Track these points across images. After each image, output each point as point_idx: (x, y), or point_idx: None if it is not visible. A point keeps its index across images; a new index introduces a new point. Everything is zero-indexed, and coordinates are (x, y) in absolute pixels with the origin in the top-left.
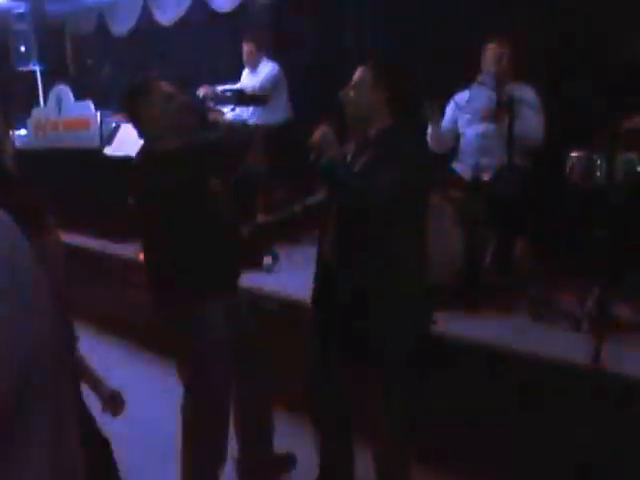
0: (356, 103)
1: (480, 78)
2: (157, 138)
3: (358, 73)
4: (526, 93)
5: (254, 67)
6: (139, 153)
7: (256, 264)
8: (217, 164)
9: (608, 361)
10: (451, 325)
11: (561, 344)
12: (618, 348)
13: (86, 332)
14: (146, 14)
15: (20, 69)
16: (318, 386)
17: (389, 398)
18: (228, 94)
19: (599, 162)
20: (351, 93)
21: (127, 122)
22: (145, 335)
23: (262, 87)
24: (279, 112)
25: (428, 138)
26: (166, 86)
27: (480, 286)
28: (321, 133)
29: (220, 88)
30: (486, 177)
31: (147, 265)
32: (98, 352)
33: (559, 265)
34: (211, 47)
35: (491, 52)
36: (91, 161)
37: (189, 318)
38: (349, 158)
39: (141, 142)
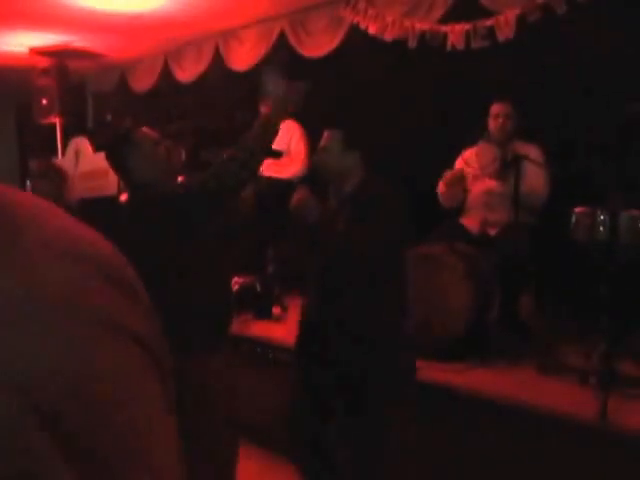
0: (328, 166)
1: (486, 135)
2: (148, 185)
3: (326, 137)
4: (531, 151)
5: None
6: (130, 201)
7: (266, 314)
8: (215, 208)
9: (614, 415)
10: (459, 377)
11: (567, 398)
12: (623, 402)
13: None
14: (166, 72)
15: (41, 122)
16: (301, 434)
17: (373, 446)
18: None
19: (602, 218)
20: (323, 156)
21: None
22: None
23: (288, 147)
24: (297, 168)
25: (441, 194)
26: (151, 132)
27: (487, 339)
28: (300, 198)
29: None
30: (493, 232)
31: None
32: None
33: (565, 319)
34: (228, 104)
35: (497, 110)
36: (108, 209)
37: (179, 370)
38: (331, 215)
39: None
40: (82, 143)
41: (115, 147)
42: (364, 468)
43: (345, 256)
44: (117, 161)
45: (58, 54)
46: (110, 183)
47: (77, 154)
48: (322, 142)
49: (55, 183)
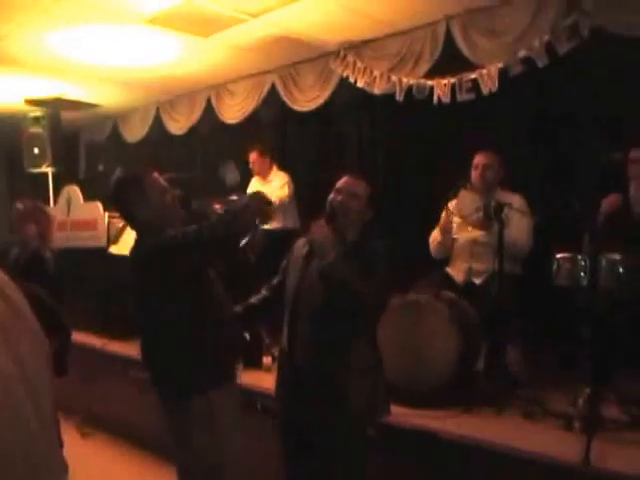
0: (354, 213)
1: (469, 186)
2: (153, 231)
3: (358, 185)
4: (515, 200)
5: (264, 176)
6: (138, 247)
7: (255, 363)
8: (219, 253)
9: (598, 459)
10: (443, 423)
11: (552, 443)
12: (607, 446)
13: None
14: (158, 123)
15: (32, 171)
16: None
17: None
18: (234, 198)
19: (583, 263)
20: (349, 202)
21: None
22: (144, 434)
23: (282, 199)
24: (289, 221)
25: (432, 244)
26: (160, 179)
27: (473, 387)
28: (324, 233)
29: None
30: (478, 282)
31: (147, 358)
32: (97, 451)
33: (550, 365)
34: (219, 156)
35: (478, 161)
36: (96, 260)
37: (194, 408)
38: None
39: None
40: (73, 192)
41: (124, 190)
42: None
43: (358, 297)
44: (124, 204)
45: (52, 104)
46: (100, 233)
47: (68, 203)
48: (352, 188)
49: (41, 224)
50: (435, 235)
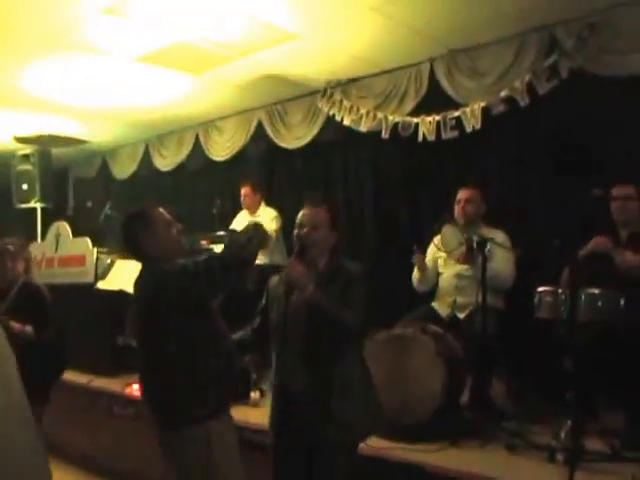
0: (317, 243)
1: (453, 220)
2: (160, 261)
3: (317, 215)
4: (497, 235)
5: (253, 210)
6: (145, 276)
7: (244, 399)
8: (228, 282)
9: None
10: (429, 456)
11: (536, 475)
12: (590, 478)
13: (69, 471)
14: (147, 160)
15: (20, 207)
16: None
17: None
18: (221, 233)
19: (564, 297)
20: (313, 233)
21: (122, 258)
22: (128, 469)
23: (270, 234)
24: (276, 256)
25: (414, 280)
26: (165, 213)
27: (459, 420)
28: (299, 269)
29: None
30: (462, 315)
31: (147, 386)
32: None
33: (533, 397)
34: (207, 192)
35: (460, 196)
36: (83, 296)
37: (193, 437)
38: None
39: (133, 276)
40: (62, 228)
41: (133, 224)
42: None
43: (325, 331)
44: (133, 237)
45: (41, 141)
46: (88, 269)
47: (57, 238)
48: (311, 219)
49: (27, 260)
50: (415, 272)
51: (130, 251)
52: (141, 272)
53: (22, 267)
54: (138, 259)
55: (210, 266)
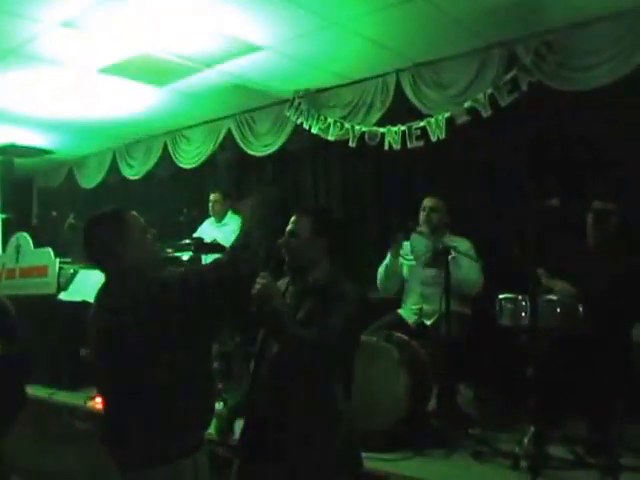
0: (297, 252)
1: (419, 229)
2: (138, 272)
3: (296, 222)
4: (461, 244)
5: (220, 217)
6: (118, 291)
7: None
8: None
9: None
10: (395, 465)
11: None
12: None
13: None
14: (114, 169)
15: None
16: None
17: None
18: (187, 241)
19: (524, 303)
20: (290, 241)
21: (86, 268)
22: None
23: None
24: None
25: (379, 275)
26: (139, 217)
27: (424, 428)
28: (263, 283)
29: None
30: (428, 322)
31: (110, 422)
32: None
33: (500, 404)
34: (175, 200)
35: (425, 204)
36: (45, 307)
37: (180, 471)
38: (290, 302)
39: (96, 286)
40: (23, 238)
41: (102, 228)
42: None
43: (304, 346)
44: (101, 244)
45: (4, 151)
46: (50, 280)
47: (18, 249)
48: (290, 226)
49: None
50: (382, 267)
51: (97, 260)
52: (109, 285)
53: None
54: (106, 269)
55: (221, 276)
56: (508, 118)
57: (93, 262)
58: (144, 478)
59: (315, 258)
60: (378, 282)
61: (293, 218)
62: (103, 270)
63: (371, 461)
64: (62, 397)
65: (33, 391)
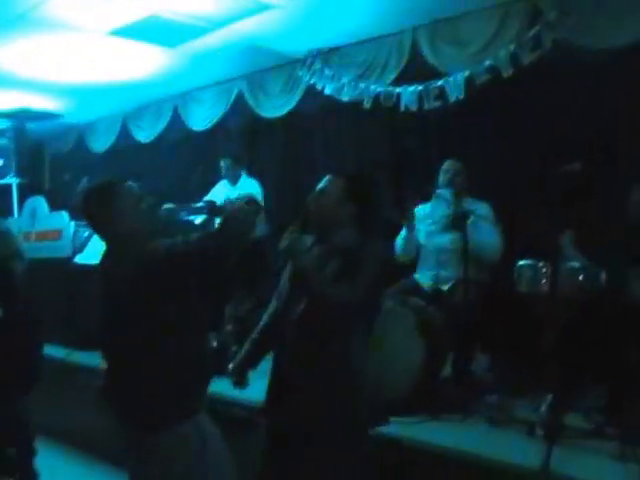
0: (326, 211)
1: (438, 192)
2: (132, 241)
3: (328, 181)
4: (481, 208)
5: (234, 181)
6: (116, 259)
7: (221, 371)
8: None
9: (558, 465)
10: (409, 430)
11: (515, 449)
12: (570, 454)
13: (49, 446)
14: (125, 132)
15: None
16: None
17: None
18: (200, 205)
19: (544, 270)
20: (321, 200)
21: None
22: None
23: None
24: (259, 230)
25: (398, 245)
26: (134, 187)
27: (439, 394)
28: (292, 238)
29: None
30: (445, 288)
31: (113, 384)
32: (61, 466)
33: (514, 372)
34: (187, 164)
35: (446, 167)
36: (61, 270)
37: (166, 442)
38: (315, 261)
39: None
40: (39, 202)
41: (95, 200)
42: None
43: (329, 306)
44: (95, 215)
45: (16, 116)
46: (65, 244)
47: (34, 213)
48: (322, 184)
49: (8, 242)
50: (400, 235)
51: (94, 230)
52: (110, 252)
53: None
54: (104, 239)
55: (204, 245)
56: (530, 78)
57: (92, 230)
58: (148, 442)
59: (341, 220)
60: (397, 252)
61: (326, 177)
62: (101, 238)
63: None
64: (78, 358)
65: (50, 352)
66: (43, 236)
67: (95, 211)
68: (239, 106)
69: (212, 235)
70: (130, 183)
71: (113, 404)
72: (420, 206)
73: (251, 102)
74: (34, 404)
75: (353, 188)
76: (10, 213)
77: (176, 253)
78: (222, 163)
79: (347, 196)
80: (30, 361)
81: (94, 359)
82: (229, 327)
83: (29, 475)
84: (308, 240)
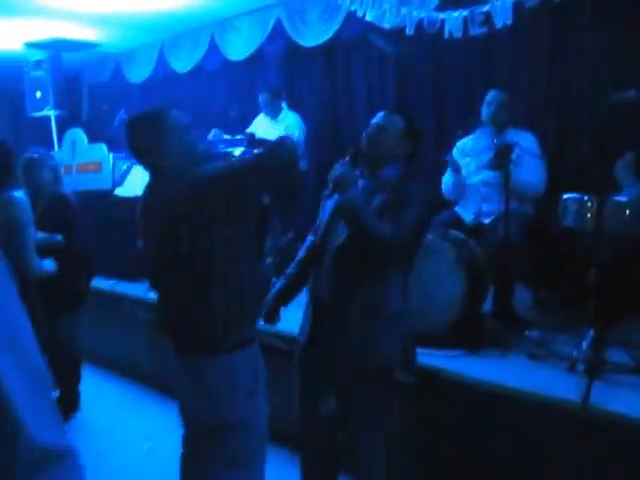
0: (383, 147)
1: (481, 124)
2: (176, 170)
3: (386, 118)
4: (526, 139)
5: (274, 115)
6: (156, 189)
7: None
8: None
9: (598, 401)
10: (450, 363)
11: (555, 384)
12: (609, 389)
13: (94, 372)
14: (162, 62)
15: (34, 115)
16: (305, 420)
17: (372, 429)
18: (239, 137)
19: (590, 204)
20: (379, 136)
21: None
22: (152, 375)
23: (298, 141)
24: (301, 164)
25: (446, 187)
26: (182, 116)
27: (480, 328)
28: (342, 171)
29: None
30: (487, 221)
31: (166, 309)
32: (106, 392)
33: (556, 307)
34: (225, 95)
35: (490, 98)
36: (102, 202)
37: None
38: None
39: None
40: (78, 134)
41: (141, 130)
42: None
43: (373, 240)
44: (141, 145)
45: (52, 46)
46: (105, 176)
47: (73, 146)
48: (379, 120)
49: (54, 169)
50: (447, 176)
51: (139, 159)
52: (156, 182)
53: (49, 176)
54: (148, 167)
55: (260, 162)
56: (584, 3)
57: (137, 160)
58: (205, 365)
59: (395, 157)
60: (444, 193)
61: (383, 113)
62: (146, 168)
63: (423, 356)
64: (123, 288)
65: (94, 283)
66: (84, 168)
67: (142, 140)
68: (277, 35)
69: (264, 155)
70: (177, 112)
71: (174, 334)
72: (463, 139)
73: (289, 30)
74: (81, 333)
75: (410, 127)
76: (50, 145)
77: (233, 169)
78: (260, 98)
79: (404, 134)
80: (78, 287)
81: (138, 289)
82: (269, 259)
83: (71, 393)
84: (355, 173)
